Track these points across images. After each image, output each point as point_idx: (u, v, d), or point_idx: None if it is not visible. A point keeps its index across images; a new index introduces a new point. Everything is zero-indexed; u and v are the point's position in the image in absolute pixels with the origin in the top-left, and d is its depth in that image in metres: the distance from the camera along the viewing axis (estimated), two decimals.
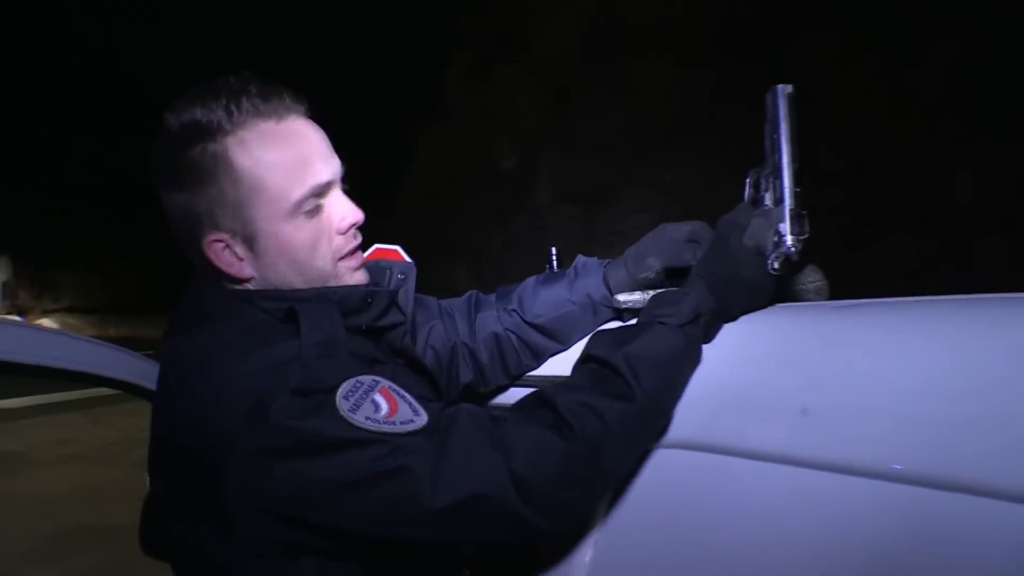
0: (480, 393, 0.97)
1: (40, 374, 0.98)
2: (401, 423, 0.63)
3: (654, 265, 0.85)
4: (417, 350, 0.92)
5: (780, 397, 0.65)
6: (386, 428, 0.62)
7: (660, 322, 0.72)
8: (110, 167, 13.68)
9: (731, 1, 6.00)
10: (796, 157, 0.73)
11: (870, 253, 4.64)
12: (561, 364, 0.91)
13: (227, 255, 0.73)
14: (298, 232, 0.73)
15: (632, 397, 0.67)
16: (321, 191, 0.74)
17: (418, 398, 0.68)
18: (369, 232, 0.83)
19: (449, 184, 8.70)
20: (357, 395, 0.64)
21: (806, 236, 0.72)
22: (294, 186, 0.71)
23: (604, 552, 0.77)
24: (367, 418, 0.62)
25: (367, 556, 0.69)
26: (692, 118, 6.11)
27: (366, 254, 1.03)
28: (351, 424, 0.62)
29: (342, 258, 0.77)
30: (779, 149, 0.73)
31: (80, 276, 17.25)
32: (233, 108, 0.70)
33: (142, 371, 1.12)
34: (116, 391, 1.15)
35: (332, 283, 0.76)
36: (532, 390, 0.74)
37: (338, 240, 0.76)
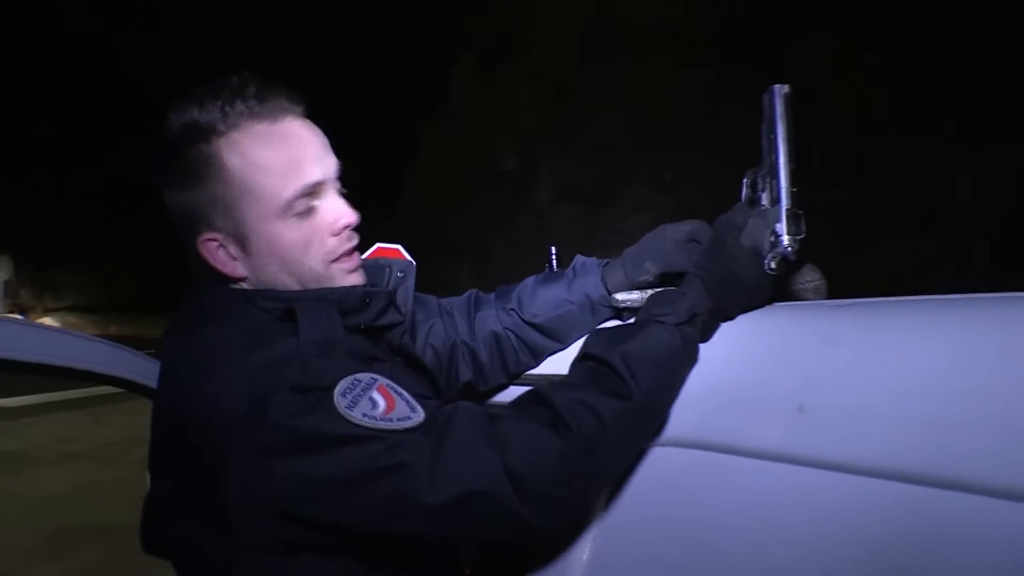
0: (479, 392, 0.97)
1: (42, 372, 0.99)
2: (398, 420, 0.64)
3: (652, 270, 0.85)
4: (417, 348, 0.92)
5: (778, 395, 0.65)
6: (383, 425, 0.63)
7: (657, 321, 0.72)
8: (110, 167, 13.69)
9: (731, 1, 6.00)
10: (793, 157, 0.73)
11: (870, 253, 4.64)
12: (560, 363, 0.91)
13: (221, 254, 0.75)
14: (290, 232, 0.73)
15: (629, 395, 0.67)
16: (312, 191, 0.74)
17: (416, 396, 0.68)
18: (371, 232, 0.84)
19: (451, 184, 8.70)
20: (355, 392, 0.64)
21: (803, 236, 0.72)
22: (284, 186, 0.72)
23: (602, 550, 0.77)
24: (364, 415, 0.63)
25: (366, 553, 0.69)
26: (692, 118, 6.11)
27: (368, 253, 1.03)
28: (349, 421, 0.62)
29: (336, 260, 0.77)
30: (776, 149, 0.73)
31: (81, 275, 17.26)
32: (228, 109, 0.71)
33: (144, 369, 1.13)
34: (118, 390, 1.15)
35: (325, 284, 0.77)
36: (531, 388, 0.75)
37: (331, 241, 0.76)
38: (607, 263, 0.91)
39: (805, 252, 0.78)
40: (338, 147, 0.79)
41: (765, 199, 0.76)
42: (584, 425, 0.65)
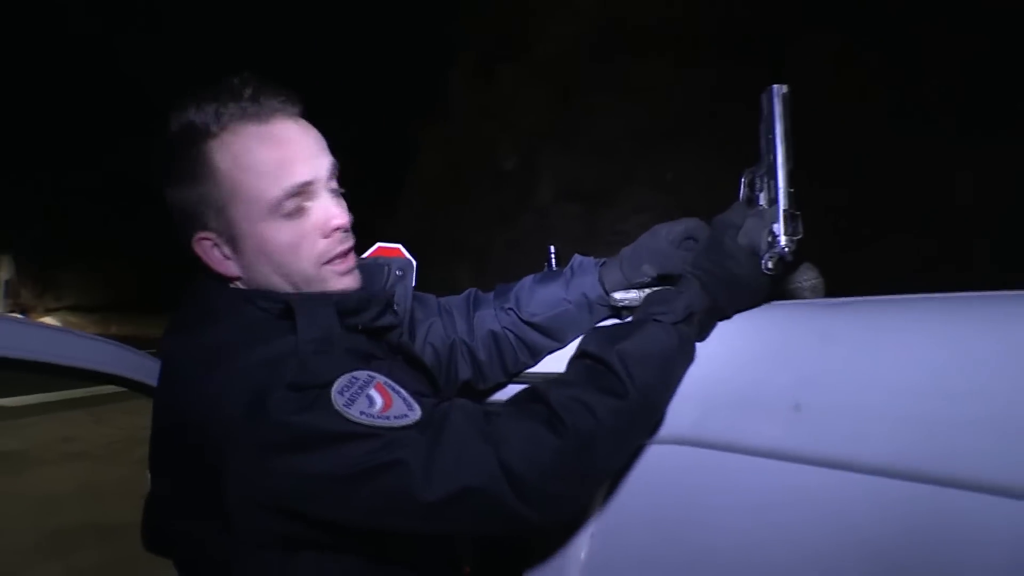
0: (479, 390, 0.98)
1: (46, 371, 0.99)
2: (395, 417, 0.64)
3: (650, 272, 0.85)
4: (416, 347, 0.93)
5: (775, 393, 0.66)
6: (380, 422, 0.63)
7: (654, 320, 0.73)
8: (110, 167, 13.69)
9: (731, 1, 6.00)
10: (791, 157, 0.73)
11: (870, 253, 4.64)
12: (558, 362, 0.91)
13: (216, 253, 0.76)
14: (279, 233, 0.74)
15: (624, 393, 0.68)
16: (301, 192, 0.73)
17: (414, 394, 0.69)
18: (372, 232, 0.84)
19: (451, 184, 8.70)
20: (352, 390, 0.65)
21: (800, 236, 0.73)
22: (271, 187, 0.72)
23: (600, 547, 0.77)
24: (361, 412, 0.63)
25: (365, 549, 0.70)
26: (692, 118, 6.11)
27: (368, 252, 1.04)
28: (346, 418, 0.63)
29: (328, 262, 0.77)
30: (774, 149, 0.73)
31: (82, 275, 17.27)
32: (221, 111, 0.72)
33: (146, 368, 1.13)
34: (119, 389, 1.16)
35: (317, 286, 0.77)
36: (527, 386, 0.75)
37: (322, 243, 0.76)
38: (604, 263, 0.91)
39: (805, 252, 0.79)
40: (338, 147, 0.79)
41: (763, 199, 0.76)
42: (580, 422, 0.66)
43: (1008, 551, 0.49)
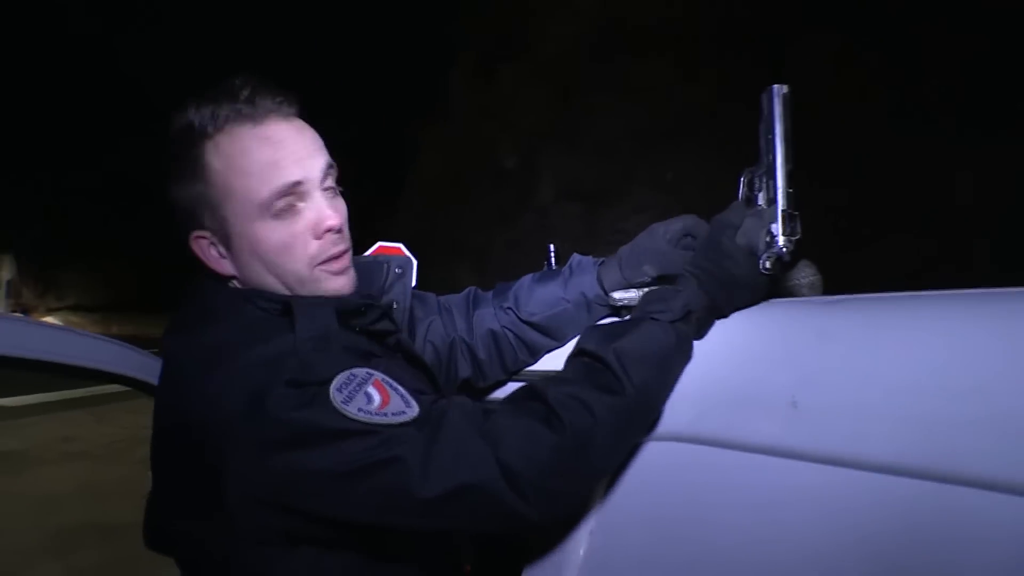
0: (478, 388, 0.99)
1: (49, 370, 0.99)
2: (393, 414, 0.65)
3: (650, 273, 0.85)
4: (416, 346, 0.93)
5: (773, 391, 0.66)
6: (378, 419, 0.64)
7: (652, 318, 0.73)
8: (110, 167, 13.70)
9: (731, 1, 6.00)
10: (790, 158, 0.74)
11: (870, 253, 4.64)
12: (558, 360, 0.92)
13: (213, 252, 0.77)
14: (272, 233, 0.74)
15: (621, 391, 0.68)
16: (291, 192, 0.74)
17: (412, 391, 0.69)
18: (373, 232, 0.84)
19: (451, 184, 8.70)
20: (351, 387, 0.65)
21: (798, 237, 0.73)
22: (261, 187, 0.73)
23: (599, 544, 0.78)
24: (360, 410, 0.64)
25: (365, 546, 0.70)
26: (693, 118, 6.12)
27: (369, 252, 1.04)
28: (344, 415, 0.63)
29: (321, 263, 0.77)
30: (773, 149, 0.74)
31: (82, 275, 17.28)
32: (218, 112, 0.73)
33: (150, 368, 1.14)
34: (120, 389, 1.16)
35: (310, 287, 0.77)
36: (525, 384, 0.75)
37: (314, 244, 0.76)
38: (602, 262, 0.91)
39: (805, 252, 0.79)
40: (338, 147, 0.79)
41: (762, 199, 0.76)
42: (577, 420, 0.66)
43: (1007, 548, 0.49)
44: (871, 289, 0.74)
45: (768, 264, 0.74)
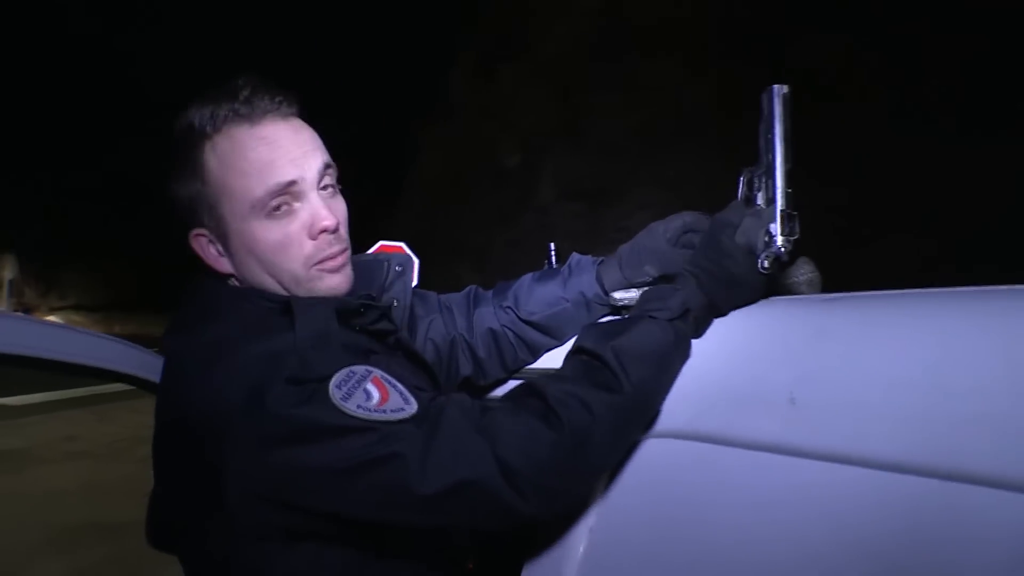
0: (479, 386, 0.99)
1: (53, 368, 1.00)
2: (392, 411, 0.65)
3: (651, 273, 0.86)
4: (417, 343, 0.94)
5: (771, 388, 0.66)
6: (376, 416, 0.64)
7: (650, 316, 0.73)
8: (110, 167, 13.71)
9: (731, 1, 6.01)
10: (789, 158, 0.74)
11: (870, 253, 4.65)
12: (558, 358, 0.92)
13: (211, 249, 0.78)
14: (265, 233, 0.75)
15: (619, 389, 0.68)
16: (285, 191, 0.74)
17: (411, 388, 0.69)
18: (374, 232, 0.84)
19: (451, 183, 8.71)
20: (350, 384, 0.66)
21: (796, 237, 0.73)
22: (255, 186, 0.73)
23: (599, 540, 0.78)
24: (358, 406, 0.64)
25: (364, 542, 0.71)
26: (695, 117, 6.12)
27: (371, 251, 1.05)
28: (343, 412, 0.63)
29: (317, 263, 0.77)
30: (773, 149, 0.74)
31: (84, 275, 17.30)
32: (216, 112, 0.74)
33: (151, 365, 1.14)
34: (123, 388, 1.17)
35: (306, 286, 0.77)
36: (523, 381, 0.76)
37: (310, 245, 0.76)
38: (602, 261, 0.92)
39: (805, 252, 0.79)
40: (338, 147, 0.80)
41: (761, 198, 0.76)
42: (575, 417, 0.66)
43: (1007, 545, 0.49)
44: (871, 289, 0.74)
45: (766, 263, 0.74)
